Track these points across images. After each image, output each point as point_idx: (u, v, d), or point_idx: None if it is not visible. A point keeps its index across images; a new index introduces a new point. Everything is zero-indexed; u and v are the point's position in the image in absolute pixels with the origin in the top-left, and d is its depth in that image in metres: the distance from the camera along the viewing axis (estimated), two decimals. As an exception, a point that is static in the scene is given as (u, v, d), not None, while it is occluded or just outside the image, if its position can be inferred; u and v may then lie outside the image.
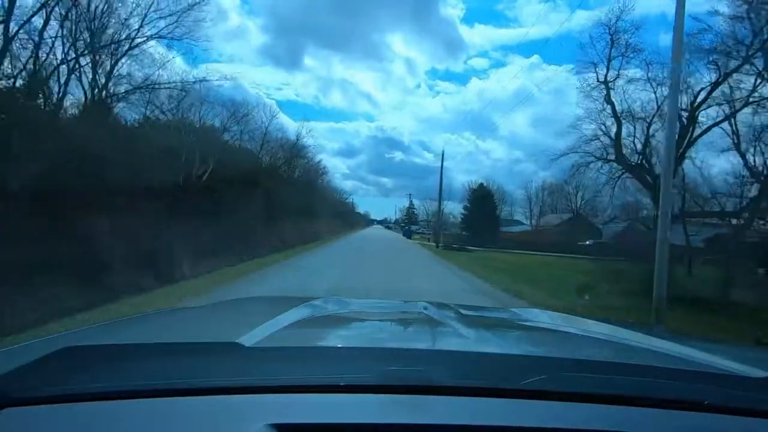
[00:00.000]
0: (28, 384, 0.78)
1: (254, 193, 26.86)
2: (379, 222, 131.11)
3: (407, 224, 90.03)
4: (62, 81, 13.99)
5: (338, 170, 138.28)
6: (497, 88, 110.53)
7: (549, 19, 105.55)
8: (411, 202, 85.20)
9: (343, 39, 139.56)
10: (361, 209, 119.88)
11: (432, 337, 1.40)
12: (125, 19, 14.72)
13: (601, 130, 14.96)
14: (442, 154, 33.14)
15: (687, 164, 12.96)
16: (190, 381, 0.80)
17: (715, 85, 12.08)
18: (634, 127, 14.39)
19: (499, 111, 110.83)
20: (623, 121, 14.48)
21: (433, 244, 35.58)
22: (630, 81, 13.88)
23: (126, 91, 14.64)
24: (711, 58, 11.77)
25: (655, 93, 13.88)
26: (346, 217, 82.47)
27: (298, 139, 31.00)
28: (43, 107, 14.38)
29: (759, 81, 11.46)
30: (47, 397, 0.75)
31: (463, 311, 1.65)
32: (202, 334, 1.35)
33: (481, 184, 44.26)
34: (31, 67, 13.51)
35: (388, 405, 0.76)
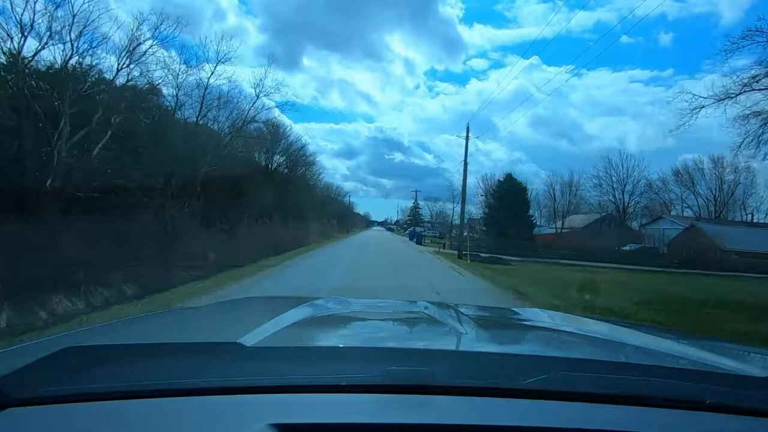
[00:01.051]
0: (30, 384, 0.78)
1: (194, 180, 18.50)
2: (380, 223, 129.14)
3: (412, 225, 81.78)
4: None
5: (338, 171, 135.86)
6: (496, 88, 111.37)
7: (548, 20, 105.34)
8: (416, 200, 76.50)
9: (342, 39, 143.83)
10: (361, 210, 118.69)
11: (433, 336, 1.39)
12: None
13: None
14: (467, 133, 24.80)
15: None
16: (191, 381, 0.80)
17: None
18: None
19: (499, 112, 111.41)
20: None
21: (453, 251, 27.15)
22: None
23: None
24: None
25: None
26: (343, 218, 74.56)
27: (258, 96, 21.58)
28: None
29: None
30: (49, 398, 0.76)
31: (464, 311, 1.66)
32: (203, 334, 1.34)
33: (510, 175, 35.87)
34: None
35: (389, 405, 0.77)
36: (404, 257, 22.15)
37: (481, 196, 57.94)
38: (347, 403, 0.77)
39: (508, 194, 33.55)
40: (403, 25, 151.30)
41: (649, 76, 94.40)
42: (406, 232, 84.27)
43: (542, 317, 1.72)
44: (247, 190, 24.85)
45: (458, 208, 60.88)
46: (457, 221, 66.00)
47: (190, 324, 1.51)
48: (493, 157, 78.71)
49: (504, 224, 31.95)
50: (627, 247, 40.87)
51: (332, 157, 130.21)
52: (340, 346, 1.16)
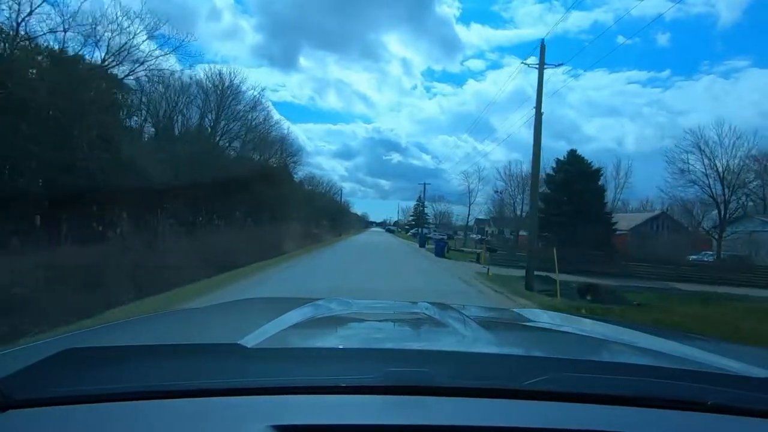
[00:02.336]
0: (31, 386, 0.78)
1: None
2: (378, 224, 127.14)
3: (415, 226, 70.84)
4: None
5: (336, 172, 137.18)
6: (494, 89, 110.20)
7: (546, 20, 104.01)
8: (423, 195, 64.90)
9: (339, 39, 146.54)
10: (359, 210, 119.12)
11: (433, 337, 1.38)
12: None
13: None
14: (542, 54, 13.45)
15: None
16: (191, 383, 0.80)
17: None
18: None
19: (497, 113, 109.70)
20: None
21: (500, 271, 16.17)
22: None
23: None
24: None
25: None
26: (337, 218, 63.58)
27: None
28: None
29: None
30: (51, 399, 0.75)
31: (464, 312, 1.64)
32: (204, 335, 1.35)
33: (574, 152, 24.91)
34: None
35: (389, 406, 0.77)
36: (439, 295, 11.09)
37: (495, 192, 48.32)
38: (348, 404, 0.77)
39: (573, 180, 22.59)
40: (400, 25, 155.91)
41: (647, 77, 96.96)
42: (409, 233, 73.69)
43: (543, 318, 1.70)
44: (147, 170, 14.06)
45: (473, 208, 50.19)
46: (456, 222, 56.00)
47: (190, 325, 1.51)
48: (491, 158, 73.81)
49: (570, 225, 20.97)
50: (702, 256, 30.14)
51: (330, 158, 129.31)
52: (341, 347, 1.15)
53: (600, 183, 24.55)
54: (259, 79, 75.30)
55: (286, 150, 31.94)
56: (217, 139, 22.29)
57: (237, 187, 21.98)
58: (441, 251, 24.68)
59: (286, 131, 32.39)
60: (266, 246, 22.86)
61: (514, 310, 2.12)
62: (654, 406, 0.80)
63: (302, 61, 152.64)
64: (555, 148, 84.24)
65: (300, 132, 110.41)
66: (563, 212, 22.32)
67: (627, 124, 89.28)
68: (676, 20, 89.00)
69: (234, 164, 22.30)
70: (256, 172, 25.31)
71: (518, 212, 45.98)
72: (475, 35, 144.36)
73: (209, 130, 21.45)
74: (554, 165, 25.87)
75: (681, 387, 0.86)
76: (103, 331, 1.41)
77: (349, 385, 0.80)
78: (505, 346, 1.25)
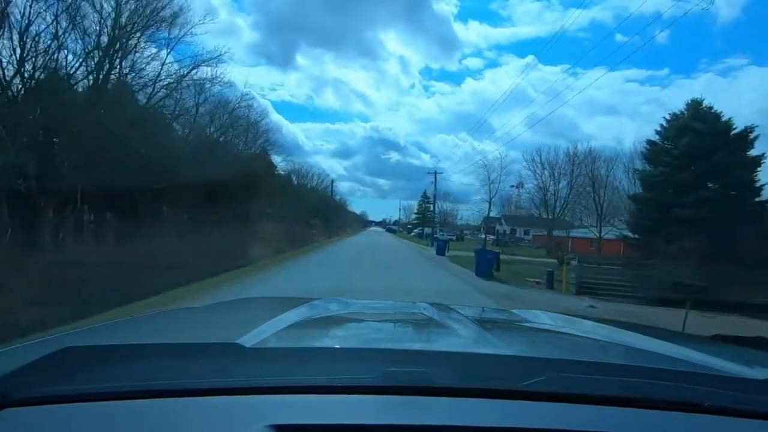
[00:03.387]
0: (29, 384, 0.78)
1: None
2: (378, 223, 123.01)
3: (419, 225, 62.38)
4: None
5: (335, 171, 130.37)
6: (492, 88, 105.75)
7: (544, 19, 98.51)
8: (428, 192, 56.15)
9: (336, 37, 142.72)
10: (358, 209, 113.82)
11: (432, 337, 1.40)
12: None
13: None
14: None
15: None
16: (189, 382, 0.80)
17: None
18: None
19: (495, 112, 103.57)
20: None
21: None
22: None
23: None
24: None
25: None
26: (331, 217, 55.06)
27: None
28: None
29: None
30: (47, 398, 0.75)
31: (463, 312, 1.61)
32: (202, 335, 1.34)
33: (698, 103, 15.83)
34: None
35: (388, 406, 0.77)
36: None
37: (513, 186, 40.04)
38: (347, 404, 0.77)
39: (705, 149, 13.73)
40: (397, 23, 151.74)
41: (645, 76, 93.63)
42: (412, 233, 65.21)
43: (542, 319, 1.68)
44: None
45: (480, 205, 41.14)
46: (458, 221, 46.78)
47: (189, 324, 1.50)
48: (489, 158, 69.03)
49: (706, 223, 12.25)
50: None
51: (329, 157, 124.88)
52: (340, 347, 1.16)
53: (752, 154, 14.86)
54: (256, 79, 76.61)
55: (254, 125, 23.11)
56: (125, 88, 13.55)
57: (162, 170, 13.47)
58: (487, 269, 14.64)
59: (251, 98, 23.53)
60: (238, 253, 14.80)
61: (514, 310, 2.06)
62: (652, 407, 0.81)
63: (300, 59, 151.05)
64: (554, 148, 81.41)
65: (299, 131, 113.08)
66: (690, 203, 13.59)
67: (626, 122, 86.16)
68: (674, 18, 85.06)
69: (149, 127, 13.62)
70: (199, 146, 16.66)
71: (553, 207, 37.37)
72: (473, 33, 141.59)
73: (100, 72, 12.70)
74: (663, 125, 16.58)
75: (679, 389, 0.86)
76: (101, 329, 1.41)
77: (348, 385, 0.80)
78: (504, 347, 1.22)
